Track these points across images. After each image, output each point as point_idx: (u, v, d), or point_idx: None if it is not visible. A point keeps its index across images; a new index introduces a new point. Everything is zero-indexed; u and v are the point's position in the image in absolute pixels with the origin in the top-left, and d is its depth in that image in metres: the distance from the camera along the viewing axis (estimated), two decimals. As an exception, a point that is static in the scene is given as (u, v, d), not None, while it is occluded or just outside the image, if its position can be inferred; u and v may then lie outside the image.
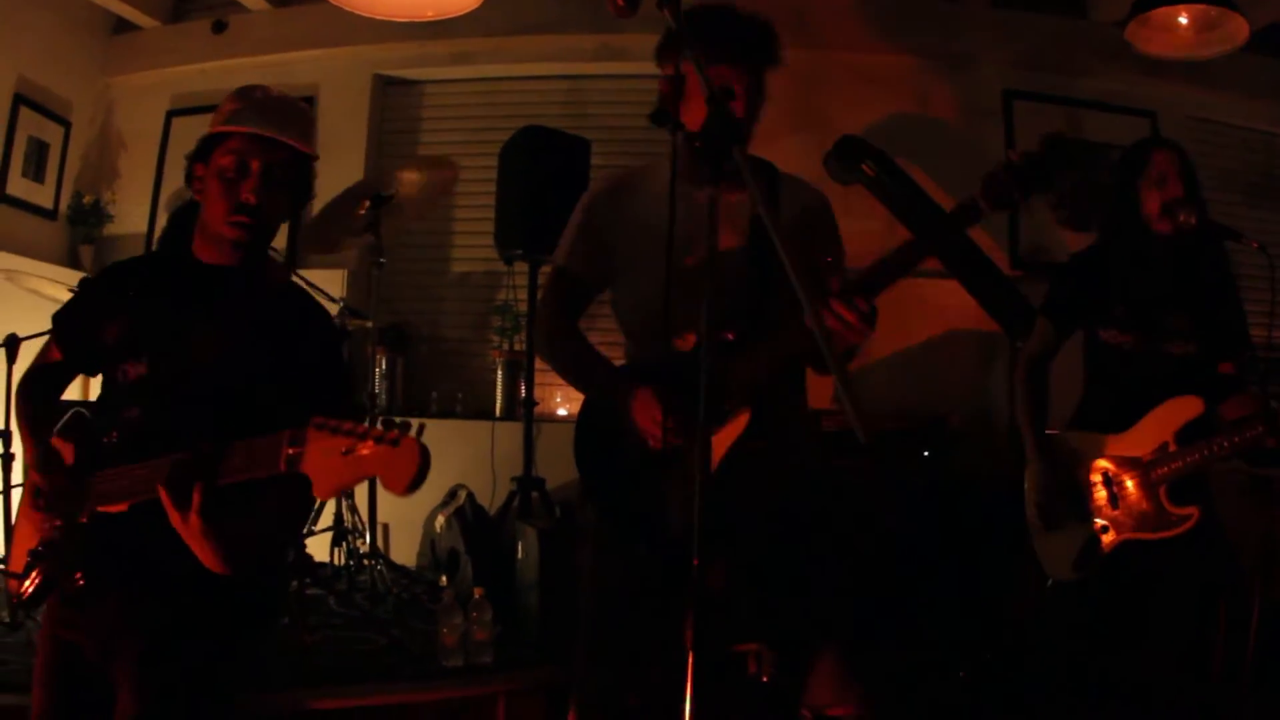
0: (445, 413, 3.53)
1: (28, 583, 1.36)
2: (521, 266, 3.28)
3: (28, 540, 1.43)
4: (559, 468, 3.07)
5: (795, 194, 1.66)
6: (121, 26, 4.23)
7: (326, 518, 3.06)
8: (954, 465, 3.16)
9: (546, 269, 3.31)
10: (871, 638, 2.66)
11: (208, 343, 1.41)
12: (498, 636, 2.57)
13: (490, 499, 3.24)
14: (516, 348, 3.46)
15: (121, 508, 1.34)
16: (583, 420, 1.60)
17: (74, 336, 1.55)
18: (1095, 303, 2.17)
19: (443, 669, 2.41)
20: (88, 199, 4.09)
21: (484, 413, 3.49)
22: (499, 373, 3.48)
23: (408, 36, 3.62)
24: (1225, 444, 1.96)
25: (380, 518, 3.36)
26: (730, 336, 1.45)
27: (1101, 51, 3.84)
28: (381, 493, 3.16)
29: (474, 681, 2.38)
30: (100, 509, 1.37)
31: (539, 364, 3.34)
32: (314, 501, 1.51)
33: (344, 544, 3.01)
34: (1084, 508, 2.09)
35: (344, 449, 1.07)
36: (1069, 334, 2.24)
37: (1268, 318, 1.97)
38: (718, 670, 2.27)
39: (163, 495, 1.22)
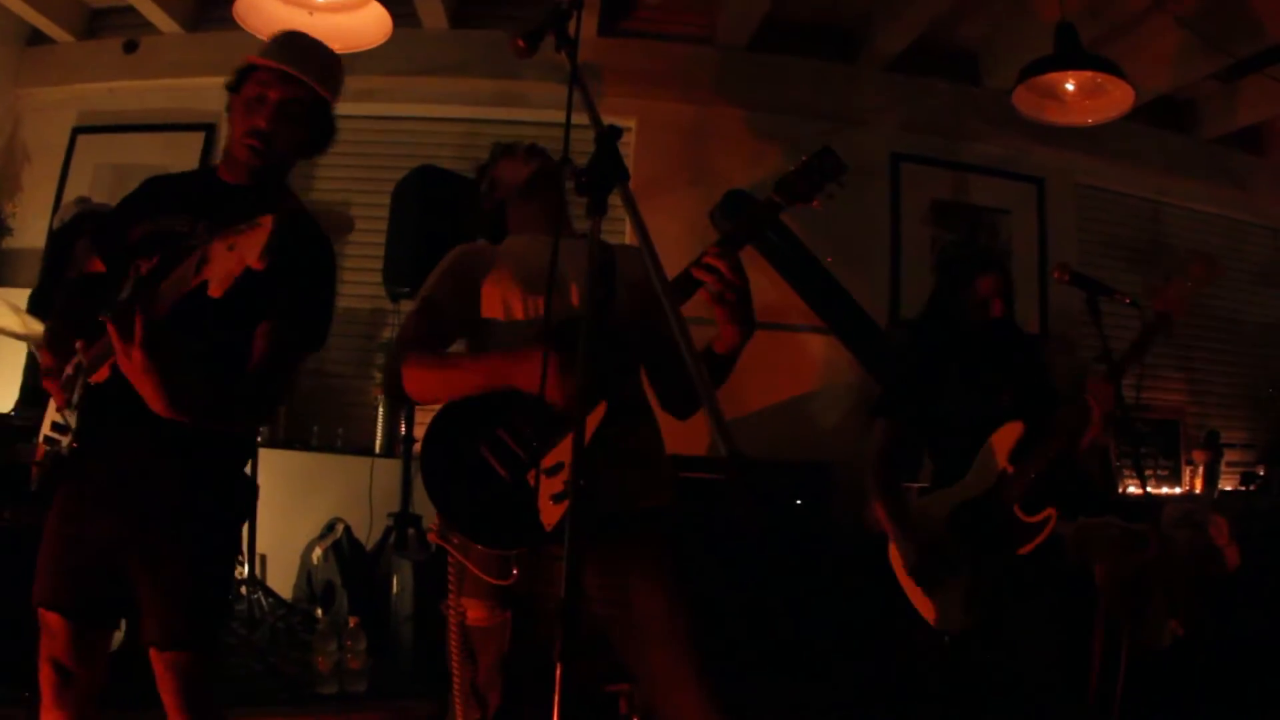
0: (325, 447, 3.53)
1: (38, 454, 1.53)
2: (407, 305, 3.32)
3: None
4: (434, 505, 3.11)
5: (630, 257, 1.72)
6: (36, 39, 4.20)
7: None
8: (831, 515, 3.23)
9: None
10: (743, 682, 2.72)
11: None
12: (371, 667, 2.62)
13: (367, 534, 3.27)
14: (398, 385, 3.49)
15: (104, 374, 1.43)
16: (430, 449, 1.55)
17: (110, 244, 1.63)
18: (927, 387, 2.32)
19: (317, 695, 2.47)
20: (-12, 210, 4.04)
21: (364, 449, 3.51)
22: (380, 409, 3.51)
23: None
24: (1055, 443, 2.10)
25: (260, 548, 3.38)
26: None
27: (993, 117, 3.96)
28: (261, 524, 3.21)
29: (347, 709, 2.45)
30: (91, 380, 1.47)
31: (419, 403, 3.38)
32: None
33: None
34: (955, 563, 2.19)
35: (229, 245, 1.25)
36: (910, 420, 2.37)
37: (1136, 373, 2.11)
38: (591, 711, 2.32)
39: (109, 328, 1.31)
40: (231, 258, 1.25)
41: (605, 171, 1.13)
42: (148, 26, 3.99)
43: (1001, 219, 4.07)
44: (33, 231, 4.04)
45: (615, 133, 1.18)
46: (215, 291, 1.27)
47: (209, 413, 1.46)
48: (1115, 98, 3.17)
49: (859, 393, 3.61)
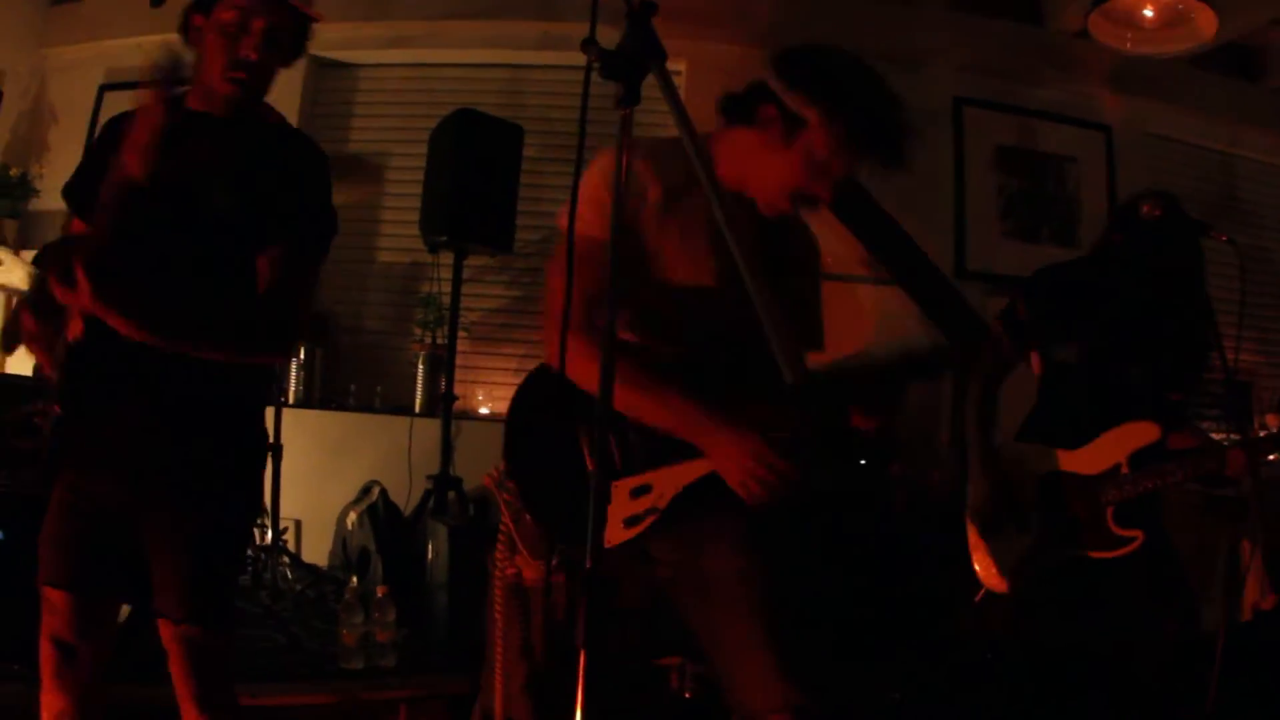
0: (363, 407, 3.40)
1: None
2: (446, 258, 3.17)
3: None
4: (477, 466, 2.97)
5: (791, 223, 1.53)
6: (59, -3, 4.11)
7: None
8: (894, 473, 3.07)
9: (472, 260, 3.24)
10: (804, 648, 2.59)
11: (182, 176, 1.38)
12: (403, 639, 2.48)
13: (406, 498, 3.13)
14: (439, 341, 3.35)
15: (78, 328, 1.34)
16: (524, 404, 1.42)
17: (83, 201, 1.50)
18: (1060, 319, 2.14)
19: (342, 671, 2.33)
20: (14, 171, 3.95)
21: (403, 408, 3.37)
22: (420, 367, 3.37)
23: (344, 17, 3.51)
24: (1179, 473, 1.98)
25: (293, 514, 3.25)
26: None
27: (1057, 61, 3.81)
28: (291, 487, 3.09)
29: (374, 685, 2.30)
30: (69, 338, 1.37)
31: (461, 359, 3.24)
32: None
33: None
34: (1025, 519, 2.06)
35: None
36: (1027, 348, 2.21)
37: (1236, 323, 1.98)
38: (638, 685, 2.15)
39: (51, 281, 1.26)
40: (138, 123, 1.20)
41: (638, 51, 0.96)
42: (174, -21, 3.88)
43: (1069, 167, 3.86)
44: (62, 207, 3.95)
45: (649, 8, 1.00)
46: (135, 169, 1.21)
47: (209, 336, 1.35)
48: (1197, 25, 2.97)
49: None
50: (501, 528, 1.43)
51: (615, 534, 1.32)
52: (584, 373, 1.21)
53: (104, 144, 1.46)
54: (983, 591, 2.13)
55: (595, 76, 0.97)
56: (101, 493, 1.38)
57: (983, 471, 2.12)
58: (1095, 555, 2.00)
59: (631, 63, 0.97)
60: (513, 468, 1.40)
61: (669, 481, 1.33)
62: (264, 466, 1.58)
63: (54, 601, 1.38)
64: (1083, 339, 2.13)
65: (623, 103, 0.97)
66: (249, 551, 2.88)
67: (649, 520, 1.33)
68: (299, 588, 2.88)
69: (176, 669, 1.39)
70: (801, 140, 1.33)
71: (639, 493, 1.33)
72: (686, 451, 1.33)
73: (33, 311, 1.43)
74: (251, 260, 1.39)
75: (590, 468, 1.31)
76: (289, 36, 1.46)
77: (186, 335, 1.33)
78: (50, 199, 3.97)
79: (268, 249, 1.39)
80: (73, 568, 1.38)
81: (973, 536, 2.13)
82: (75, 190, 1.51)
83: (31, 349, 1.45)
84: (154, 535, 1.38)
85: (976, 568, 2.12)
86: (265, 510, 2.95)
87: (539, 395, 1.42)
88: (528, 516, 1.39)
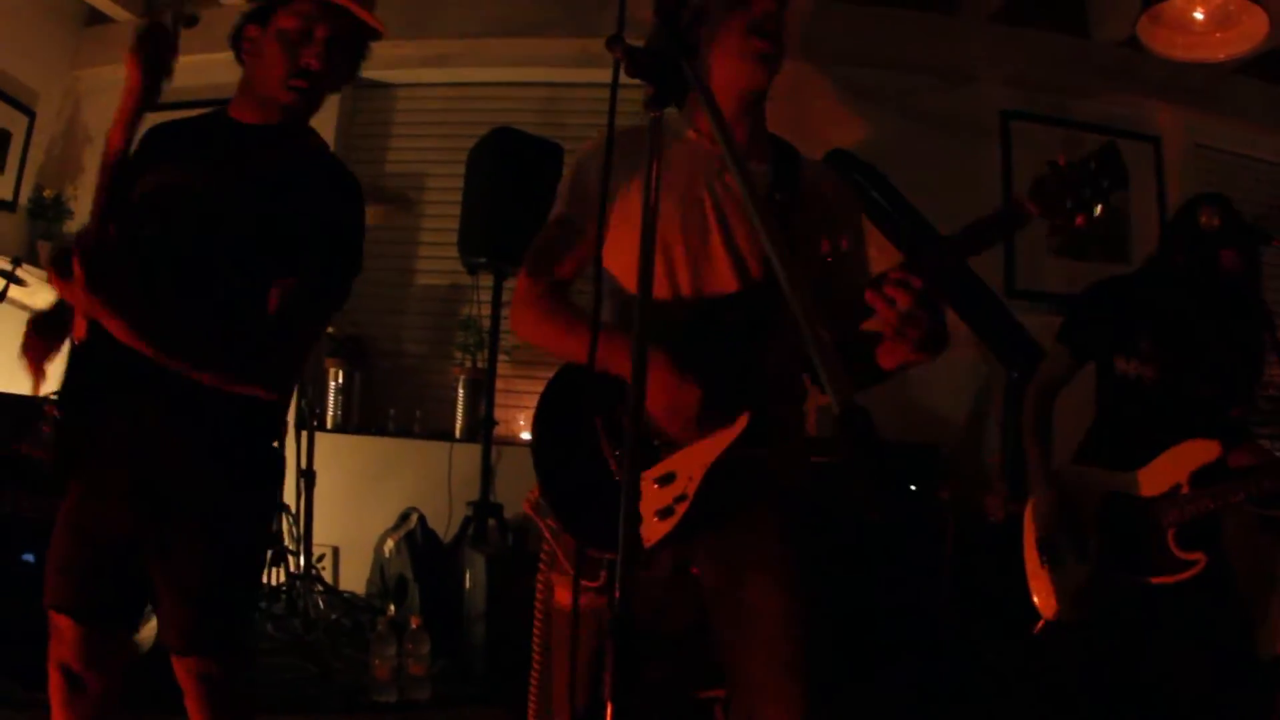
0: (402, 432, 3.36)
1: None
2: (486, 280, 3.12)
3: None
4: (518, 493, 2.90)
5: (818, 178, 1.44)
6: (93, 18, 4.10)
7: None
8: (943, 499, 2.97)
9: (512, 282, 3.18)
10: (842, 677, 2.50)
11: (211, 185, 1.35)
12: (440, 671, 2.41)
13: (446, 525, 3.08)
14: (479, 365, 3.29)
15: (82, 330, 1.30)
16: (544, 418, 1.37)
17: (115, 205, 1.44)
18: (1119, 332, 2.10)
19: (373, 704, 2.27)
20: (49, 193, 3.94)
21: (442, 433, 3.32)
22: (460, 391, 3.31)
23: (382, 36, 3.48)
24: (1240, 493, 1.89)
25: (330, 540, 3.20)
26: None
27: (1104, 72, 3.71)
28: (328, 513, 3.03)
29: (407, 719, 2.23)
30: (75, 338, 1.34)
31: (501, 383, 3.18)
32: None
33: (283, 564, 2.84)
34: (1086, 546, 2.00)
35: None
36: (1085, 362, 2.17)
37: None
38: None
39: (50, 275, 1.22)
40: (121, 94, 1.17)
41: (667, 47, 0.91)
42: (208, 0, 3.86)
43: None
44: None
45: (680, 2, 0.94)
46: (116, 142, 1.19)
47: (197, 355, 1.29)
48: (1248, 27, 2.87)
49: (976, 370, 3.33)
50: (543, 555, 1.38)
51: (650, 530, 1.25)
52: (526, 331, 1.39)
53: (142, 151, 1.42)
54: (1042, 623, 2.06)
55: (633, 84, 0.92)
56: (109, 516, 1.32)
57: (1044, 490, 2.07)
58: (1157, 581, 1.92)
59: (660, 60, 0.91)
60: (544, 484, 1.35)
61: (691, 463, 1.25)
62: (276, 493, 1.53)
63: (61, 628, 1.33)
64: (1141, 354, 2.07)
65: (653, 104, 0.92)
66: (281, 580, 2.83)
67: (682, 509, 1.25)
68: (333, 616, 2.83)
69: (190, 703, 1.34)
70: None
71: (665, 481, 1.26)
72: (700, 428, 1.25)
73: (34, 323, 1.42)
74: (264, 286, 1.33)
75: (613, 466, 1.26)
76: (350, 46, 1.43)
77: (173, 348, 1.27)
78: (85, 221, 3.97)
79: (284, 279, 1.33)
80: (79, 594, 1.33)
81: (1031, 565, 2.07)
82: (109, 197, 1.44)
83: (23, 359, 1.41)
84: (157, 563, 1.32)
85: (1036, 598, 2.06)
86: (294, 536, 2.90)
87: (556, 403, 1.37)
88: (561, 540, 1.33)
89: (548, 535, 1.36)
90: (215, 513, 1.33)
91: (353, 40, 1.43)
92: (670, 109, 0.95)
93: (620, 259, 1.33)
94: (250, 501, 1.42)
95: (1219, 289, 2.05)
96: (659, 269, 1.32)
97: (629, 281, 1.35)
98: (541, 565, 1.38)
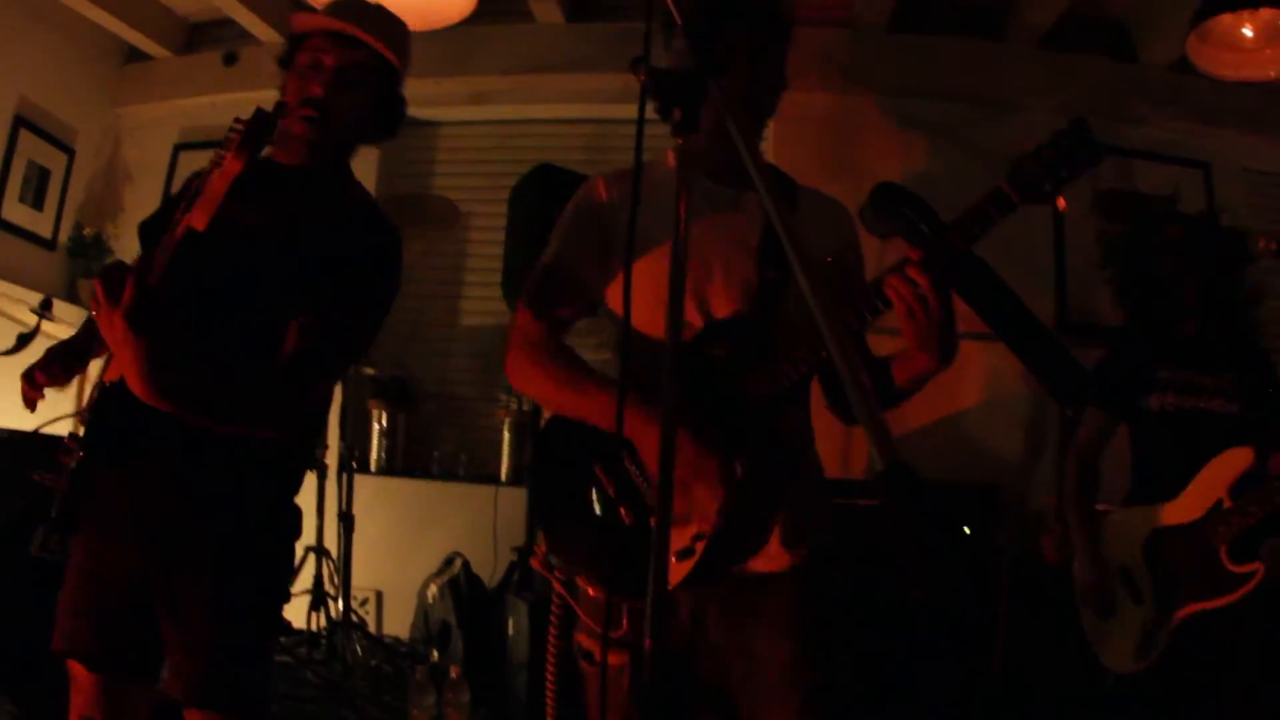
0: (446, 475, 3.32)
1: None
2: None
3: None
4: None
5: (816, 204, 1.45)
6: (133, 56, 4.13)
7: (305, 579, 2.86)
8: (999, 541, 2.89)
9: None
10: None
11: (243, 227, 1.34)
12: None
13: (491, 570, 3.03)
14: (525, 408, 3.26)
15: (115, 372, 1.29)
16: (543, 463, 1.37)
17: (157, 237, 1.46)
18: (1142, 375, 2.11)
19: None
20: (89, 231, 3.95)
21: (488, 476, 3.28)
22: (505, 434, 3.26)
23: (424, 74, 3.45)
24: None
25: (374, 584, 3.17)
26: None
27: (1153, 97, 3.64)
28: (372, 557, 3.00)
29: None
30: (105, 380, 1.33)
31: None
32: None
33: (323, 608, 2.82)
34: (1138, 589, 1.98)
35: (214, 164, 1.21)
36: (1122, 416, 2.17)
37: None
38: None
39: (97, 288, 1.21)
40: (213, 177, 1.17)
41: (693, 69, 0.87)
42: (247, 38, 3.88)
43: (1169, 208, 3.68)
44: (135, 253, 3.93)
45: (709, 18, 0.92)
46: (199, 222, 1.17)
47: (203, 403, 1.26)
48: None
49: (1030, 406, 3.25)
50: (553, 611, 1.35)
51: (673, 573, 1.20)
52: (524, 385, 1.37)
53: (185, 193, 1.40)
54: (1111, 676, 2.02)
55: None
56: (123, 562, 1.30)
57: (1084, 546, 2.07)
58: (1217, 604, 1.87)
59: (686, 82, 0.88)
60: (551, 537, 1.33)
61: (704, 501, 1.21)
62: (293, 543, 1.47)
63: (77, 677, 1.30)
64: (1162, 385, 2.08)
65: (679, 129, 0.89)
66: (321, 625, 2.80)
67: (701, 548, 1.22)
68: (372, 662, 2.79)
69: None
70: None
71: (680, 522, 1.22)
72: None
73: (52, 350, 1.43)
74: (284, 325, 1.31)
75: (623, 513, 1.22)
76: (366, 78, 1.40)
77: (182, 400, 1.25)
78: (125, 259, 3.98)
79: (302, 316, 1.30)
80: (90, 641, 1.30)
81: (1088, 621, 2.06)
82: (149, 228, 1.46)
83: (27, 382, 1.41)
84: (166, 612, 1.29)
85: (1102, 657, 2.03)
86: (335, 581, 2.87)
87: (553, 453, 1.36)
88: (585, 585, 1.30)
89: (559, 589, 1.33)
90: (226, 564, 1.30)
91: (370, 74, 1.41)
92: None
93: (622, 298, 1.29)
94: (264, 554, 1.38)
95: (1219, 321, 2.09)
96: (655, 308, 1.21)
97: (633, 321, 1.29)
98: (552, 621, 1.35)
